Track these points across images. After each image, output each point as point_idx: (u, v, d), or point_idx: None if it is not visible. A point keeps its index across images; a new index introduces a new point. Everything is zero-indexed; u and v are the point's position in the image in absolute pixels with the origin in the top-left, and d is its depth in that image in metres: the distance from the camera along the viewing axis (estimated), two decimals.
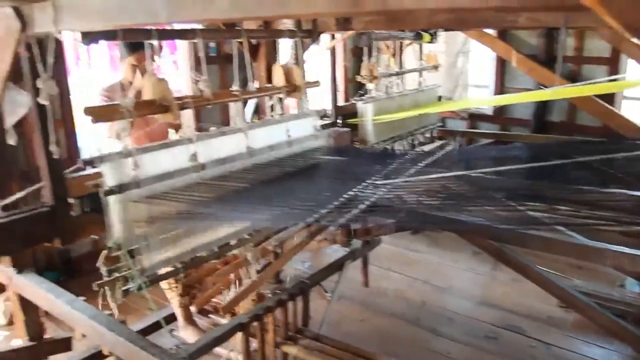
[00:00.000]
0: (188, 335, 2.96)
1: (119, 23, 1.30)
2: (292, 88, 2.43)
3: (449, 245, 4.39)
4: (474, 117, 6.01)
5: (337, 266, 2.85)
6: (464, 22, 2.43)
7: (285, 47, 4.11)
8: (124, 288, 1.82)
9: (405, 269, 4.05)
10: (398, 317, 3.42)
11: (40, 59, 1.71)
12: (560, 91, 2.93)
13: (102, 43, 3.80)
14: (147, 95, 1.90)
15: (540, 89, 3.71)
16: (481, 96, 6.06)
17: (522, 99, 4.70)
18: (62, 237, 2.01)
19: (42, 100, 1.72)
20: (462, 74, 5.93)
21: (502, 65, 5.65)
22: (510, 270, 3.28)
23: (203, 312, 2.92)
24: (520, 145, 4.13)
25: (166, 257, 1.95)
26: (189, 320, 2.96)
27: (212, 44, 4.34)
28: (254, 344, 2.38)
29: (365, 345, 2.84)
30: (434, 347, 3.10)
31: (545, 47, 5.18)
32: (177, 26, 2.14)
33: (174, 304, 2.90)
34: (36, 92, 1.74)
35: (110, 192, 1.76)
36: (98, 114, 1.80)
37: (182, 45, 4.52)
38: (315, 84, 2.56)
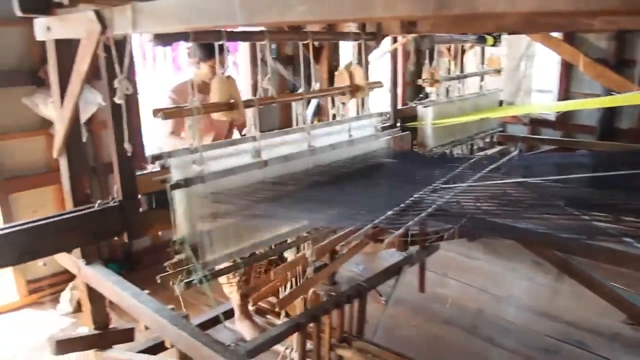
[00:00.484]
0: (244, 328, 3.02)
1: (198, 25, 1.34)
2: (355, 88, 2.42)
3: (506, 253, 4.28)
4: (536, 123, 5.83)
5: (395, 270, 2.83)
6: (534, 26, 2.35)
7: (346, 50, 4.12)
8: (186, 280, 1.88)
9: (461, 276, 3.97)
10: (454, 325, 3.36)
11: (117, 60, 1.78)
12: (634, 97, 2.78)
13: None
14: (215, 96, 1.95)
15: (610, 94, 3.56)
16: (544, 101, 5.87)
17: (590, 105, 4.53)
18: (130, 232, 2.08)
19: (118, 100, 1.78)
20: (525, 78, 5.76)
21: (567, 69, 5.46)
22: (573, 282, 3.17)
23: (260, 312, 2.97)
24: (585, 152, 3.98)
25: (227, 253, 1.99)
26: (246, 314, 3.02)
27: (272, 46, 4.40)
28: (309, 344, 2.40)
29: (419, 351, 2.82)
30: (490, 357, 3.03)
31: (615, 50, 4.96)
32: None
33: (232, 299, 2.97)
34: (112, 91, 1.81)
35: (177, 186, 1.81)
36: (167, 113, 1.86)
37: (243, 46, 4.61)
38: (378, 84, 2.55)
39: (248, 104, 2.00)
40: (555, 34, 4.14)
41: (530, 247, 2.73)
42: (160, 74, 4.74)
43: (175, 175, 1.83)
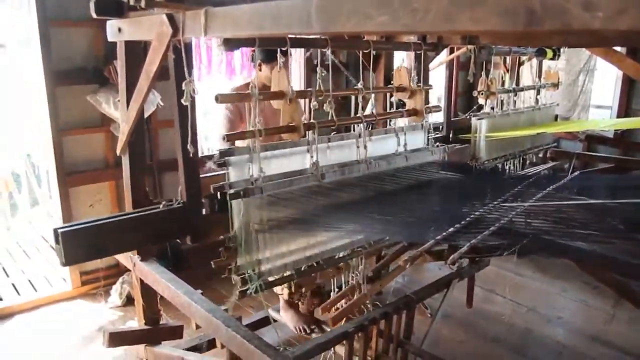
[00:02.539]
0: (287, 317, 3.06)
1: (271, 32, 1.35)
2: (413, 112, 2.42)
3: (556, 272, 4.16)
4: (592, 139, 5.65)
5: (444, 284, 2.78)
6: (603, 40, 2.27)
7: (399, 59, 4.10)
8: (241, 289, 1.90)
9: (509, 293, 3.87)
10: (501, 343, 3.27)
11: (185, 62, 1.82)
12: None
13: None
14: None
15: None
16: (603, 117, 5.68)
17: None
18: (193, 235, 2.11)
19: (185, 102, 1.82)
20: (583, 93, 5.59)
21: (629, 84, 5.27)
22: (630, 307, 3.05)
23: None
24: None
25: (282, 263, 2.00)
26: (290, 304, 3.04)
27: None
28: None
29: None
30: None
31: None
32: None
33: (280, 294, 2.96)
34: (179, 93, 1.85)
35: (236, 196, 1.84)
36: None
37: (297, 53, 4.64)
38: (436, 108, 2.55)
39: (309, 126, 1.99)
40: (618, 48, 4.00)
41: (588, 269, 2.64)
42: (215, 78, 4.81)
43: (233, 179, 1.87)
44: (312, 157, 2.04)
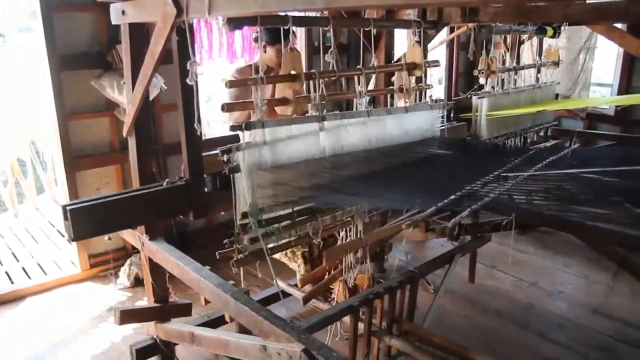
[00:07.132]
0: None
1: (275, 9, 1.38)
2: (412, 66, 2.43)
3: (559, 248, 4.22)
4: (593, 117, 5.65)
5: (446, 259, 2.83)
6: (604, 16, 2.27)
7: (400, 40, 4.10)
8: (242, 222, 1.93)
9: (511, 269, 3.93)
10: (504, 317, 3.34)
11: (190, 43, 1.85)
12: None
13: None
14: (284, 69, 1.99)
15: None
16: (603, 95, 5.69)
17: None
18: (196, 211, 2.16)
19: (190, 81, 1.86)
20: (584, 72, 5.59)
21: (630, 62, 5.27)
22: (630, 280, 3.09)
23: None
24: None
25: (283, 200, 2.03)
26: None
27: (327, 34, 4.42)
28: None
29: (469, 341, 2.81)
30: (543, 351, 3.00)
31: None
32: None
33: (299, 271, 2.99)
34: (183, 73, 1.88)
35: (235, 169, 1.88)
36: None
37: (299, 34, 4.65)
38: (435, 63, 2.53)
39: (309, 76, 2.02)
40: (618, 25, 4.01)
41: (589, 241, 2.68)
42: (216, 62, 4.83)
43: (240, 155, 1.90)
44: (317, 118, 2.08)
